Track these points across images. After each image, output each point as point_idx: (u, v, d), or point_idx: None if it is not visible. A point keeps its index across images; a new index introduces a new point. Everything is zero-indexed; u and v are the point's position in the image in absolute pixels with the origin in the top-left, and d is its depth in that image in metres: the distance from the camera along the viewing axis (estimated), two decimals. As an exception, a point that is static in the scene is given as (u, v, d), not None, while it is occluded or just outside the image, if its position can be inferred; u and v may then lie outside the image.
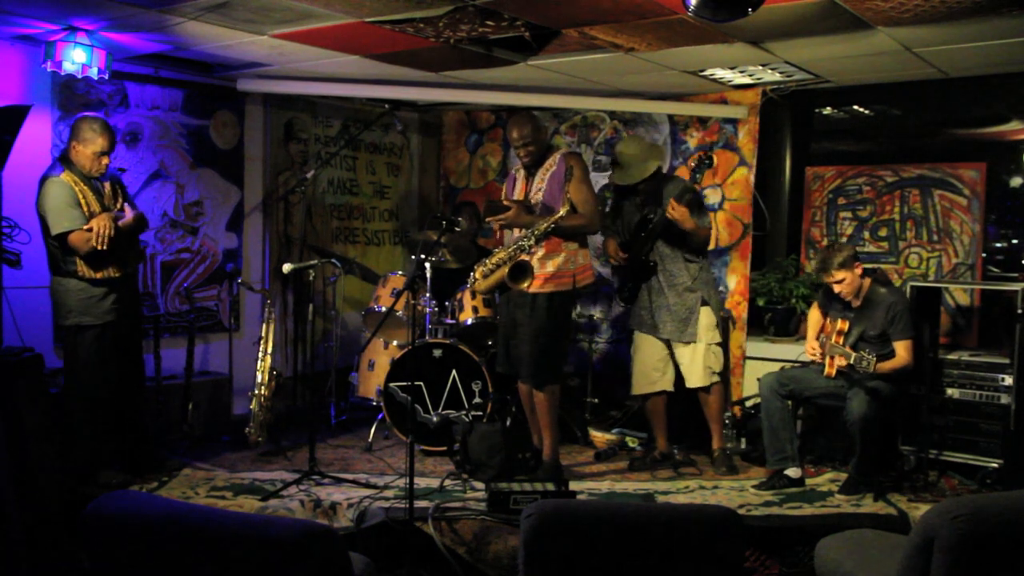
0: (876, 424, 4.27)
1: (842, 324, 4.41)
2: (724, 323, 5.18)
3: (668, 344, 4.82)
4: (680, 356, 4.81)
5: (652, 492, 4.42)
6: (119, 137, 4.70)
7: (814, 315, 4.72)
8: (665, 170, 5.57)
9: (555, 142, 6.45)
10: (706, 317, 4.75)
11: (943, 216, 5.43)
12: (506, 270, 4.33)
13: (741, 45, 4.47)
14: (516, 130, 4.48)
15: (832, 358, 4.34)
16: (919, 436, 4.59)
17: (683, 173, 6.02)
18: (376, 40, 4.50)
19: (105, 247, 4.15)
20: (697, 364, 4.75)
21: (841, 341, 4.36)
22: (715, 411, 4.84)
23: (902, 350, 4.33)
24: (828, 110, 5.95)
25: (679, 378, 4.86)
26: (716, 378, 4.80)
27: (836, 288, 4.40)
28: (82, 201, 4.19)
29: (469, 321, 5.23)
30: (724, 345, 4.96)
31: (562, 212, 4.24)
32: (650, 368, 4.86)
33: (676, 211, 4.51)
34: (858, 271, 4.39)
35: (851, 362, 4.21)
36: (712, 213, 5.69)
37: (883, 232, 5.64)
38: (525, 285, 4.29)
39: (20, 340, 4.28)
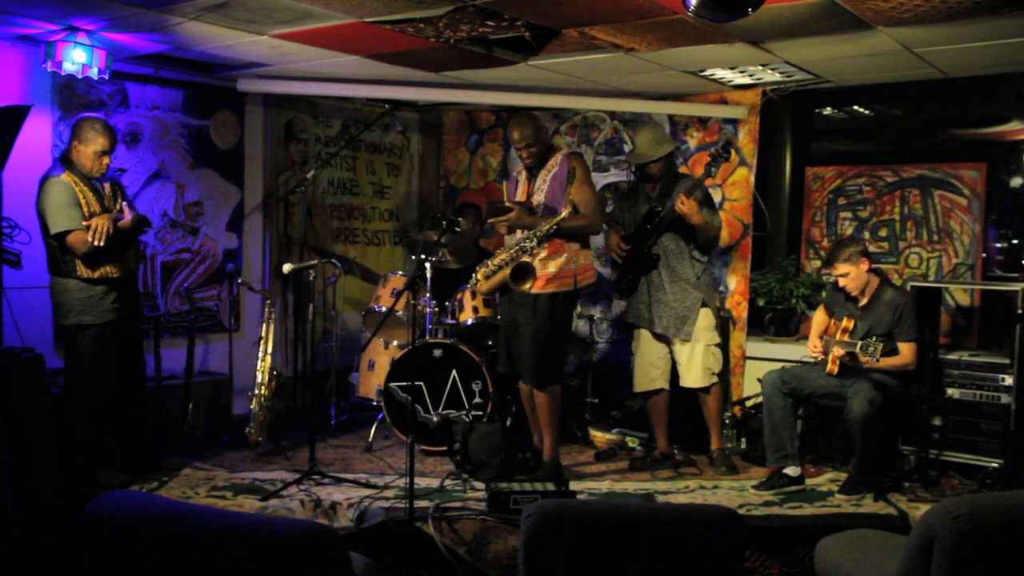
0: (876, 424, 4.27)
1: (847, 323, 4.41)
2: (724, 323, 5.15)
3: (668, 342, 4.83)
4: (678, 355, 4.81)
5: (652, 492, 4.42)
6: (119, 137, 4.70)
7: (819, 316, 4.73)
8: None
9: (556, 142, 6.45)
10: (705, 318, 4.76)
11: (943, 216, 5.43)
12: (508, 271, 4.33)
13: (741, 45, 4.47)
14: (517, 131, 4.47)
15: (835, 352, 4.35)
16: (919, 436, 4.59)
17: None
18: (376, 40, 4.50)
19: (102, 243, 4.14)
20: (696, 364, 4.76)
21: (846, 339, 4.37)
22: (714, 412, 4.85)
23: (906, 351, 4.34)
24: (828, 110, 5.95)
25: (674, 376, 4.87)
26: (715, 379, 4.81)
27: (840, 282, 4.43)
28: (82, 201, 4.20)
29: (469, 321, 5.22)
30: (724, 346, 4.96)
31: (564, 214, 4.25)
32: (649, 365, 4.87)
33: (685, 205, 4.51)
34: (864, 267, 4.39)
35: (855, 350, 4.21)
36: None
37: (883, 232, 5.64)
38: (527, 286, 4.29)
39: (20, 340, 4.29)
